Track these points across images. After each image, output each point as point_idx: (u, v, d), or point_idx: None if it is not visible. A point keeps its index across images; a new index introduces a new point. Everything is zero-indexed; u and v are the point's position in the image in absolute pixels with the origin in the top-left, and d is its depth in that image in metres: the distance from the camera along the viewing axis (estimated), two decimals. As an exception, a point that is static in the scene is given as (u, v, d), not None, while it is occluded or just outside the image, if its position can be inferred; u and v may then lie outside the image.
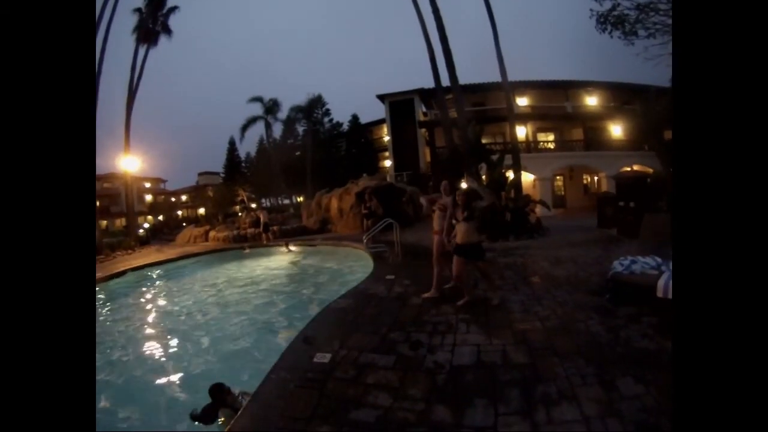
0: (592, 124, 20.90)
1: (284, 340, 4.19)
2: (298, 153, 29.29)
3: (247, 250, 12.56)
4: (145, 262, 11.20)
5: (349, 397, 2.57)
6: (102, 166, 24.82)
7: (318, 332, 3.78)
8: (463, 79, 13.37)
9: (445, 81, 12.88)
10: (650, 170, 14.62)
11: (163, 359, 4.75)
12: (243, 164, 36.53)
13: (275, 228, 14.46)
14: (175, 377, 4.14)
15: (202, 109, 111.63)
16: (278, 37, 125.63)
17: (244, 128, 27.12)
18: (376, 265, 7.20)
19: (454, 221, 4.39)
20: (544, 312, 3.91)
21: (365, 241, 9.34)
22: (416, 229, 11.60)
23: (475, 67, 22.65)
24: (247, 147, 42.38)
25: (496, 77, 14.27)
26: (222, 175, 36.14)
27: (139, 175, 26.04)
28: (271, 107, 27.19)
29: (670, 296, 3.34)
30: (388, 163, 24.96)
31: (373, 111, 29.73)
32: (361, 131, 29.51)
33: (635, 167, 18.09)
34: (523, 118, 19.81)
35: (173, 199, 41.58)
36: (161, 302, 7.55)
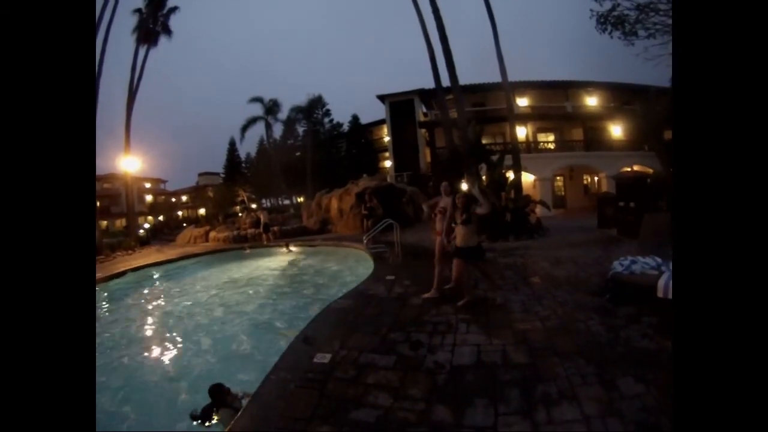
0: (593, 124, 20.88)
1: (284, 341, 4.19)
2: (298, 153, 29.35)
3: (248, 251, 12.56)
4: (146, 263, 11.20)
5: (349, 397, 2.57)
6: (102, 166, 25.05)
7: (318, 332, 3.78)
8: (463, 79, 13.35)
9: (446, 81, 12.86)
10: (650, 170, 14.61)
11: (163, 359, 4.75)
12: (243, 165, 36.60)
13: (275, 228, 14.46)
14: (175, 377, 4.14)
15: (202, 109, 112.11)
16: (278, 37, 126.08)
17: (244, 128, 27.24)
18: (376, 266, 7.19)
19: (453, 224, 4.39)
20: (544, 312, 3.92)
21: (365, 241, 9.35)
22: (416, 229, 11.61)
23: (475, 67, 22.73)
24: (248, 147, 42.55)
25: (496, 77, 14.28)
26: (222, 175, 36.18)
27: (139, 175, 26.08)
28: (272, 107, 27.25)
29: (670, 296, 3.34)
30: (388, 163, 24.91)
31: (373, 111, 29.88)
32: (361, 131, 29.49)
33: (635, 167, 18.07)
34: (524, 118, 19.78)
35: (173, 200, 41.60)
36: (161, 302, 7.54)
